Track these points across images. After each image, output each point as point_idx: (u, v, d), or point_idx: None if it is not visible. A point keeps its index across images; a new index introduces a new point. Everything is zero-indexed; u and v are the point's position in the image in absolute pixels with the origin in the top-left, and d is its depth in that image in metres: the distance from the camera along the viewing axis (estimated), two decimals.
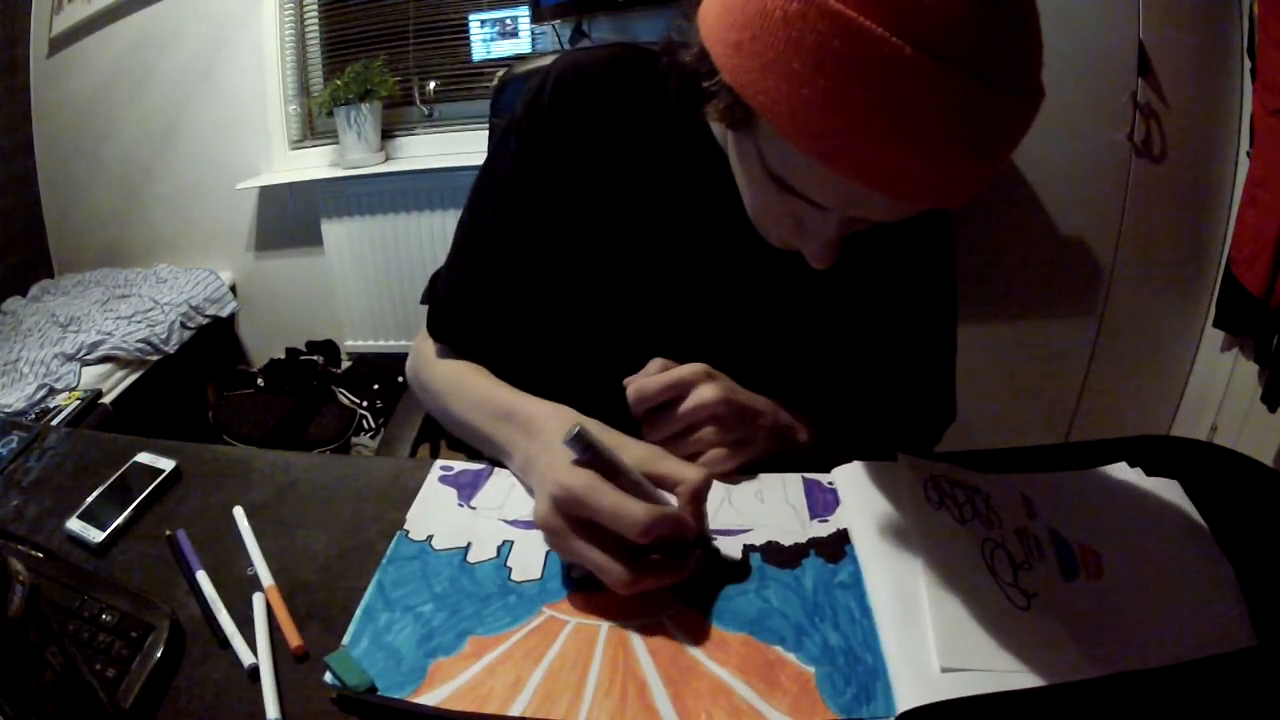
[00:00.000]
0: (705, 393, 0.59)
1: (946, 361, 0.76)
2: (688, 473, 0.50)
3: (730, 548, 0.53)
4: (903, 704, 0.40)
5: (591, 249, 0.69)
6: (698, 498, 0.49)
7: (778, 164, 0.48)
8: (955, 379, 0.77)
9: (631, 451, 0.51)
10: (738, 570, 0.51)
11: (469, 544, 0.54)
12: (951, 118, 0.39)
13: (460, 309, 0.71)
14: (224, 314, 2.31)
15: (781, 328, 0.70)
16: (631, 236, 0.68)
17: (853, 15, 0.38)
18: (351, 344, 2.33)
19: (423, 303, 0.74)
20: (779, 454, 0.62)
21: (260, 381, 2.35)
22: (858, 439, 0.69)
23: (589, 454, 0.47)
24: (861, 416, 0.71)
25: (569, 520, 0.47)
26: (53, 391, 1.78)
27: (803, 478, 0.60)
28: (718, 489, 0.59)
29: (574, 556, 0.48)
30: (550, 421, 0.54)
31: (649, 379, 0.59)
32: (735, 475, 0.60)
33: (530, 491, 0.57)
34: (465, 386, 0.66)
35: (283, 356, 2.43)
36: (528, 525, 0.56)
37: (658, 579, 0.47)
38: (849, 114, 0.40)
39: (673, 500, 0.50)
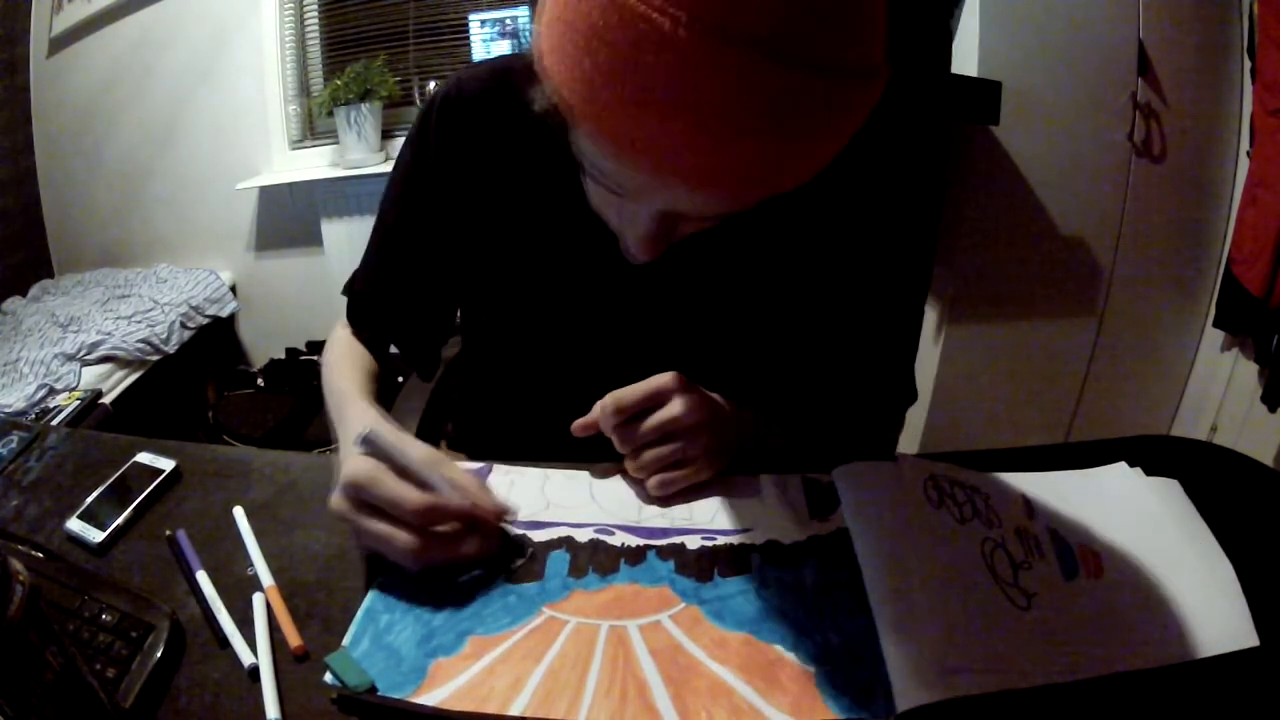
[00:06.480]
0: (685, 402, 0.58)
1: (910, 341, 0.74)
2: (463, 476, 0.54)
3: (538, 536, 0.55)
4: (903, 704, 0.40)
5: (501, 263, 0.70)
6: (479, 487, 0.54)
7: (581, 150, 0.46)
8: (915, 358, 0.74)
9: (417, 450, 0.54)
10: (517, 550, 0.54)
11: None
12: (717, 91, 0.36)
13: (372, 301, 0.76)
14: (224, 314, 2.31)
15: (719, 317, 0.68)
16: (539, 248, 0.68)
17: None
18: None
19: (343, 293, 0.78)
20: (752, 457, 0.62)
21: (260, 381, 2.35)
22: (821, 430, 0.69)
23: (377, 452, 0.52)
24: (819, 401, 0.70)
25: (355, 504, 0.51)
26: (53, 391, 1.78)
27: (803, 478, 0.60)
28: (717, 492, 0.59)
29: (365, 535, 0.51)
30: (355, 423, 0.57)
31: (626, 389, 0.59)
32: (733, 479, 0.60)
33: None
34: (334, 373, 0.70)
35: (283, 356, 2.43)
36: (527, 525, 0.56)
37: (446, 551, 0.51)
38: (613, 88, 0.37)
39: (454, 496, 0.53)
